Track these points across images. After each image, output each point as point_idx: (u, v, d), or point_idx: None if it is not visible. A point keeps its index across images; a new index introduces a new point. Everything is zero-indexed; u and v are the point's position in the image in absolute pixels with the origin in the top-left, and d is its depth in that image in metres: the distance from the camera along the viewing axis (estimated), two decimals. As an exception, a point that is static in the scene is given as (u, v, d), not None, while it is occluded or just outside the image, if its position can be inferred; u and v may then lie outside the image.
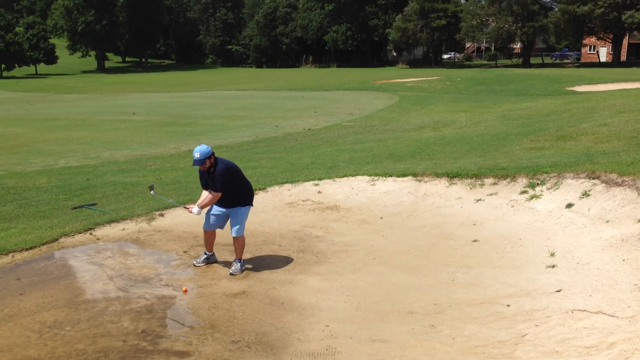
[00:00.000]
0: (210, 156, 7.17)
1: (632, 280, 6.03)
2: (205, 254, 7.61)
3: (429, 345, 5.42)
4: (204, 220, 7.54)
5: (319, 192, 11.30)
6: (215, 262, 7.62)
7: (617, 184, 8.40)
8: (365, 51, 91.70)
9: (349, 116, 27.78)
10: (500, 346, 5.25)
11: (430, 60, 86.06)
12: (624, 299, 5.68)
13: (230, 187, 7.34)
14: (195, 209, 7.31)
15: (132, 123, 27.51)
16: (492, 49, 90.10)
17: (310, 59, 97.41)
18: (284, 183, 11.55)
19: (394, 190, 11.16)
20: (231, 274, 7.23)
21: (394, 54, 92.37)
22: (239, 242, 7.42)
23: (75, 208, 10.52)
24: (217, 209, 7.47)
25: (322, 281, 7.17)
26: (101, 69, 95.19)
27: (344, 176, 11.98)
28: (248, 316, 6.10)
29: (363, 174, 12.00)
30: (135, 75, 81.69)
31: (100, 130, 25.30)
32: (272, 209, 10.30)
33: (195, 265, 7.47)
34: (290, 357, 5.30)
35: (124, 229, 8.89)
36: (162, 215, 9.53)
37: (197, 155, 7.09)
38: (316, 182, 11.70)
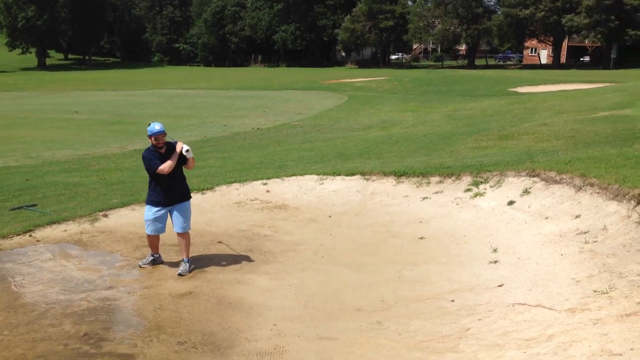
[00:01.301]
0: (166, 133, 7.12)
1: (570, 274, 6.25)
2: (152, 255, 7.46)
3: (376, 342, 5.47)
4: (146, 224, 7.35)
5: (267, 191, 11.26)
6: (162, 263, 7.49)
7: (556, 182, 8.69)
8: (315, 51, 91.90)
9: (298, 115, 27.82)
10: (445, 340, 5.35)
11: (379, 61, 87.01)
12: (562, 292, 5.88)
13: (182, 170, 7.34)
14: (184, 146, 7.13)
15: (74, 122, 26.77)
16: (439, 50, 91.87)
17: (260, 59, 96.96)
18: (232, 182, 11.47)
19: (342, 189, 11.23)
20: (179, 274, 7.12)
21: (343, 54, 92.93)
22: (185, 239, 7.32)
23: (13, 209, 10.15)
24: (156, 212, 7.25)
25: (271, 280, 7.14)
26: (42, 66, 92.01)
27: (292, 175, 11.98)
28: (195, 317, 6.02)
29: (312, 173, 12.03)
30: (78, 73, 79.43)
31: (41, 128, 24.51)
32: (220, 209, 10.21)
33: (140, 267, 7.32)
34: (238, 357, 5.26)
35: (65, 230, 8.64)
36: (105, 216, 9.30)
37: (157, 127, 6.97)
38: (265, 181, 11.66)
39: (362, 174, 11.61)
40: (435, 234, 8.65)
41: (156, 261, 7.45)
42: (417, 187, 10.68)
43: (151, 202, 7.28)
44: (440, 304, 6.21)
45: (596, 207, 7.49)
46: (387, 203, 10.40)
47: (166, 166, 7.05)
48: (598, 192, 7.72)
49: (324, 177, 11.74)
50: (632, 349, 4.49)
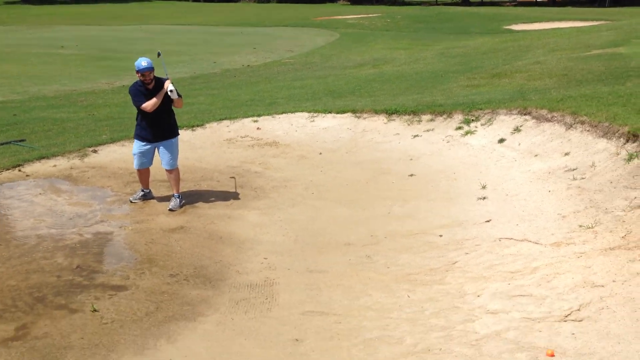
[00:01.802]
0: (153, 69, 6.96)
1: (557, 209, 6.33)
2: (142, 190, 7.47)
3: (365, 275, 5.58)
4: (134, 159, 7.34)
5: (258, 128, 11.21)
6: (152, 198, 7.51)
7: (547, 120, 8.69)
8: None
9: (289, 53, 27.39)
10: (432, 273, 5.47)
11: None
12: (548, 227, 5.98)
13: (170, 107, 7.26)
14: (170, 86, 7.02)
15: (61, 57, 26.23)
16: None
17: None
18: (223, 119, 11.38)
19: (333, 127, 11.19)
20: (170, 209, 7.16)
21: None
22: (174, 175, 7.33)
23: (2, 144, 10.06)
24: (142, 147, 7.20)
25: (261, 215, 7.20)
26: (26, 0, 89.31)
27: (283, 113, 11.90)
28: (186, 250, 6.10)
29: (302, 111, 11.95)
30: (63, 7, 77.19)
31: (27, 63, 24.03)
32: (211, 145, 10.17)
33: (131, 202, 7.35)
34: (229, 288, 5.36)
35: (55, 166, 8.60)
36: (95, 151, 9.25)
37: (144, 63, 6.82)
38: (255, 118, 11.58)
39: (354, 111, 11.55)
40: (425, 171, 8.69)
41: (147, 196, 7.47)
42: (408, 125, 10.66)
43: (138, 136, 7.24)
44: (429, 239, 6.30)
45: (585, 145, 7.52)
46: (378, 141, 10.39)
47: (150, 104, 6.92)
48: (588, 130, 7.74)
49: (315, 115, 11.67)
50: (614, 281, 4.61)
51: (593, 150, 7.28)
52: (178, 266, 5.72)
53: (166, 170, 7.34)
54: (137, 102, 6.99)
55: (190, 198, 7.56)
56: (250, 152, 9.94)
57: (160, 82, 7.06)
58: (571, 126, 8.13)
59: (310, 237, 6.58)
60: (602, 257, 5.03)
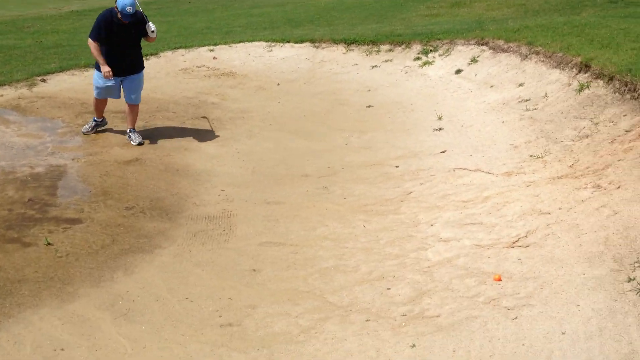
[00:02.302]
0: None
1: (509, 140, 6.46)
2: (95, 120, 7.25)
3: (322, 205, 5.64)
4: (96, 90, 7.01)
5: (214, 58, 10.94)
6: (105, 125, 7.34)
7: (503, 50, 8.72)
8: None
9: (246, -21, 26.43)
10: (387, 204, 5.57)
11: None
12: (500, 157, 6.11)
13: (138, 42, 6.98)
14: (150, 25, 6.78)
15: (3, -19, 24.73)
16: None
17: None
18: (178, 48, 11.05)
19: (291, 57, 11.01)
20: (140, 143, 6.98)
21: None
22: (135, 111, 7.12)
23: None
24: (107, 81, 6.84)
25: (218, 147, 7.14)
26: None
27: (240, 42, 11.62)
28: (142, 183, 6.03)
29: (260, 40, 11.69)
30: None
31: (-34, -12, 22.62)
32: (165, 75, 9.91)
33: (84, 133, 7.16)
34: (186, 220, 5.36)
35: (1, 95, 8.26)
36: (44, 80, 8.90)
37: (129, 9, 6.38)
38: (211, 47, 11.28)
39: (312, 41, 11.36)
40: (383, 102, 8.69)
41: (99, 125, 7.27)
42: (367, 55, 10.56)
43: (98, 66, 6.85)
44: (385, 170, 6.38)
45: (539, 75, 7.61)
46: (336, 71, 10.29)
47: (93, 47, 6.65)
48: (542, 61, 7.81)
49: (273, 44, 11.44)
50: (559, 208, 4.78)
51: (546, 81, 7.38)
52: (134, 199, 5.66)
53: (128, 104, 7.08)
54: (94, 35, 6.61)
55: (145, 130, 7.41)
56: (206, 83, 9.73)
57: (137, 18, 6.64)
58: (526, 57, 8.19)
59: (268, 168, 6.57)
60: (550, 186, 5.20)
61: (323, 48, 11.08)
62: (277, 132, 7.68)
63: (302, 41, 11.34)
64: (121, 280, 4.37)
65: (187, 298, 4.20)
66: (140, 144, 6.96)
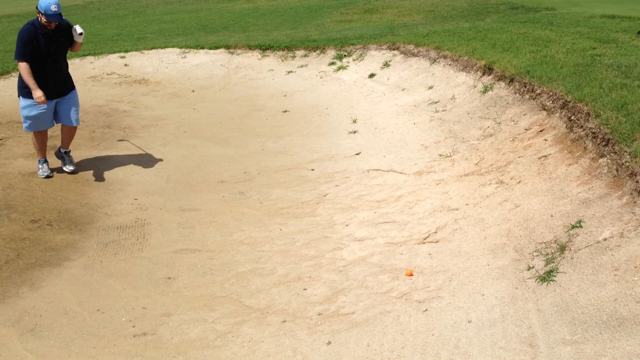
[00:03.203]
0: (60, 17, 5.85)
1: (420, 140, 6.68)
2: (43, 161, 6.29)
3: (238, 211, 5.62)
4: (27, 122, 6.06)
5: (125, 65, 10.68)
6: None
7: (414, 55, 9.01)
8: None
9: (159, -15, 25.93)
10: (304, 206, 5.62)
11: None
12: (412, 157, 6.30)
13: (66, 57, 6.27)
14: (77, 27, 6.09)
15: None
16: None
17: None
18: (86, 55, 10.72)
19: (206, 63, 10.92)
20: (73, 171, 6.32)
21: None
22: (73, 133, 6.42)
23: None
24: (41, 107, 5.98)
25: (131, 156, 6.97)
26: None
27: (152, 48, 11.41)
28: (49, 195, 5.79)
29: (173, 46, 11.53)
30: None
31: None
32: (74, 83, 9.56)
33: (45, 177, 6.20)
34: (97, 231, 5.20)
35: None
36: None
37: (54, 7, 5.67)
38: (122, 54, 11.02)
39: (227, 47, 11.32)
40: (299, 106, 8.77)
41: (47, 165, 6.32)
42: (283, 60, 10.63)
43: (28, 92, 5.91)
44: (301, 173, 6.43)
45: (447, 78, 7.91)
46: (252, 77, 10.29)
47: (25, 70, 5.74)
48: (450, 64, 8.13)
49: (187, 51, 11.30)
50: (467, 204, 4.99)
51: (454, 84, 7.68)
52: (40, 211, 5.43)
53: (67, 127, 6.30)
54: (22, 54, 5.71)
55: (53, 140, 7.12)
56: (117, 90, 9.48)
57: (62, 26, 5.93)
58: (435, 60, 8.49)
59: (183, 176, 6.48)
60: (458, 183, 5.42)
61: (238, 54, 11.05)
62: (192, 139, 7.59)
63: (216, 47, 11.28)
64: (27, 296, 4.19)
65: (98, 310, 4.08)
66: (74, 172, 6.31)
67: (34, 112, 6.03)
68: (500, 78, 6.87)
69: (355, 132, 7.43)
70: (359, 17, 13.65)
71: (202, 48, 11.33)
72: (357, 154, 6.73)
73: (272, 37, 11.91)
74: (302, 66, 10.30)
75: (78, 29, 6.09)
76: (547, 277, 3.71)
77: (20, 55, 5.74)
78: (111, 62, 10.60)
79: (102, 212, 5.55)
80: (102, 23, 15.91)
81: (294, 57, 10.67)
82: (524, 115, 6.01)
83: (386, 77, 8.98)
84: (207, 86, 9.93)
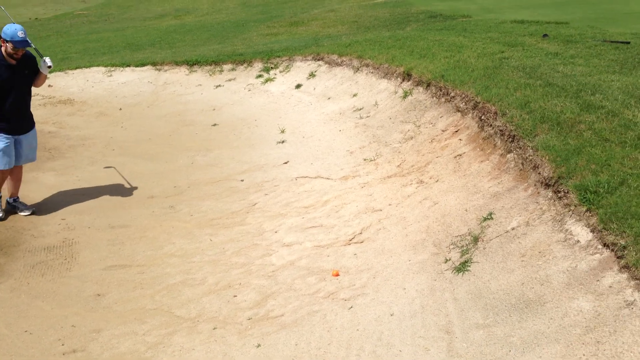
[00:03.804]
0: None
1: (346, 146, 6.88)
2: (14, 200, 5.97)
3: (168, 224, 5.65)
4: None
5: (49, 85, 10.48)
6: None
7: (338, 64, 9.26)
8: None
9: (82, 4, 25.46)
10: (234, 216, 5.70)
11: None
12: (338, 163, 6.50)
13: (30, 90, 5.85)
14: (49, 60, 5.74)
15: None
16: None
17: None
18: (7, 78, 10.44)
19: (132, 81, 10.85)
20: (33, 213, 5.90)
21: None
22: (21, 172, 6.07)
23: None
24: (6, 142, 5.62)
25: (57, 176, 6.88)
26: None
27: (77, 68, 11.26)
28: (-29, 220, 5.66)
29: (99, 65, 11.40)
30: None
31: None
32: None
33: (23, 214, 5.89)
34: (23, 254, 5.12)
35: None
36: None
37: (21, 34, 5.32)
38: (45, 75, 10.80)
39: (154, 64, 11.28)
40: (228, 120, 8.85)
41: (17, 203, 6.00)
42: (210, 75, 10.69)
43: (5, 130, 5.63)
44: (231, 184, 6.51)
45: (370, 86, 8.18)
46: (180, 93, 10.30)
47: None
48: (372, 72, 8.41)
49: (113, 69, 11.21)
50: (389, 205, 5.21)
51: (376, 90, 7.95)
52: (-39, 238, 5.30)
53: (18, 168, 5.95)
54: None
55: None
56: (42, 112, 9.29)
57: (26, 56, 5.59)
58: (358, 69, 8.76)
59: (112, 193, 6.44)
60: (382, 185, 5.64)
61: (166, 70, 11.04)
62: (121, 157, 7.55)
63: (143, 64, 11.22)
64: (-51, 323, 4.10)
65: (26, 331, 4.03)
66: (34, 212, 5.90)
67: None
68: (419, 83, 7.18)
69: (283, 141, 7.57)
70: (285, 30, 13.86)
71: (129, 66, 11.25)
72: (286, 163, 6.87)
73: (199, 53, 11.95)
74: (230, 80, 10.38)
75: (48, 61, 5.71)
76: (462, 267, 3.95)
77: None
78: (33, 83, 10.38)
79: (29, 234, 5.47)
80: (23, 44, 15.51)
81: (221, 71, 10.75)
82: (440, 117, 6.31)
83: (312, 87, 9.18)
84: (135, 104, 9.86)
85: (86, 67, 11.26)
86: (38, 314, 4.25)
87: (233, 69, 10.69)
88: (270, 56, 10.57)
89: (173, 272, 4.76)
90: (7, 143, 5.64)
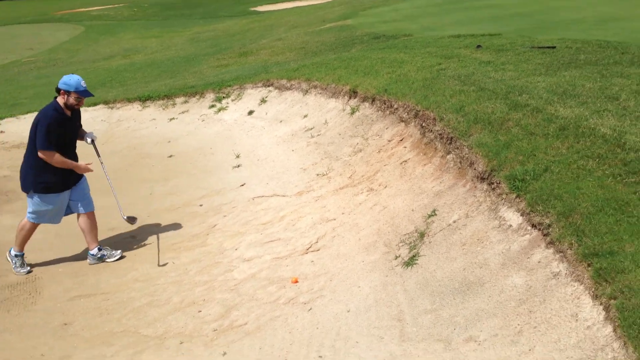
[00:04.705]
0: None
1: (299, 164, 7.14)
2: (20, 255, 5.72)
3: (131, 253, 5.80)
4: (37, 217, 5.66)
5: (1, 131, 10.49)
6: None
7: (287, 88, 9.56)
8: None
9: (29, 51, 25.35)
10: (195, 239, 5.88)
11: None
12: (292, 181, 6.74)
13: None
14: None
15: None
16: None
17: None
18: (-43, 127, 10.43)
19: (85, 120, 10.81)
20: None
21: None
22: (93, 219, 5.93)
23: None
24: (58, 198, 5.63)
25: (15, 218, 6.89)
26: None
27: (28, 112, 11.26)
28: None
29: (50, 108, 11.43)
30: None
31: None
32: None
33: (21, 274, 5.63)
34: (-13, 293, 5.18)
35: None
36: None
37: (84, 84, 5.45)
38: (-4, 121, 10.82)
39: (106, 102, 11.38)
40: (184, 150, 9.02)
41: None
42: (164, 109, 10.85)
43: (47, 187, 5.59)
44: (191, 210, 6.69)
45: (319, 106, 8.49)
46: (134, 128, 10.43)
47: (58, 159, 5.47)
48: (320, 93, 8.73)
49: (65, 110, 11.26)
50: (342, 213, 5.47)
51: (326, 110, 8.26)
52: None
53: (86, 214, 5.86)
54: (49, 144, 5.34)
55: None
56: (-5, 157, 9.31)
57: (76, 111, 5.67)
58: (307, 91, 9.08)
59: (72, 229, 6.50)
60: (335, 197, 5.90)
61: (118, 108, 11.15)
62: (78, 194, 7.62)
63: (95, 104, 11.30)
64: None
65: (-5, 364, 4.12)
66: (122, 257, 5.73)
67: (50, 207, 5.63)
68: (365, 99, 7.52)
69: (239, 165, 7.79)
70: (234, 61, 14.15)
71: (81, 106, 11.32)
72: (242, 185, 7.08)
73: (151, 88, 12.10)
74: (183, 112, 10.56)
75: (92, 135, 5.99)
76: (410, 262, 4.21)
77: (48, 145, 5.37)
78: (-15, 130, 10.39)
79: (-9, 274, 5.52)
80: (-28, 94, 15.41)
81: (174, 104, 10.92)
82: (386, 128, 6.64)
83: (264, 112, 9.44)
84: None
85: (37, 111, 11.28)
86: (5, 346, 4.33)
87: (186, 102, 10.88)
88: (221, 86, 10.80)
89: (138, 296, 4.90)
90: (58, 200, 5.64)
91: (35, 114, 11.15)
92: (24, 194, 7.72)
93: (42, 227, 6.55)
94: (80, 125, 5.87)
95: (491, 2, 15.47)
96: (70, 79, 5.42)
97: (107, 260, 5.68)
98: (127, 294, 4.96)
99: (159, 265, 5.41)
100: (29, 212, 5.71)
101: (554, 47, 7.68)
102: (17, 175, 8.51)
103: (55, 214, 5.72)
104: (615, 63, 6.61)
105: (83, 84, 5.46)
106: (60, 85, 5.41)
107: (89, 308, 4.80)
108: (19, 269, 5.60)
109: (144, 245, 5.90)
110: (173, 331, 4.29)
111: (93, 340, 4.33)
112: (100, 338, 4.34)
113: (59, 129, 5.40)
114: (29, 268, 5.63)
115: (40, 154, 5.42)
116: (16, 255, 5.69)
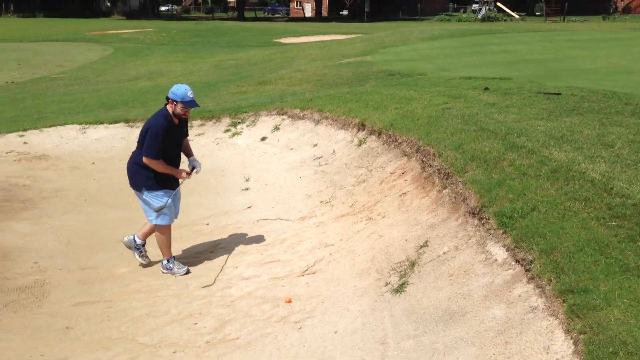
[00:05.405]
0: None
1: (305, 191, 7.38)
2: (172, 260, 5.87)
3: (135, 264, 6.02)
4: (165, 216, 5.83)
5: (24, 143, 10.88)
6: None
7: (300, 118, 9.86)
8: (76, 0, 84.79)
9: (59, 68, 26.10)
10: (198, 255, 6.10)
11: (148, 12, 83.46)
12: (297, 206, 6.97)
13: None
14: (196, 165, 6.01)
15: None
16: (209, 2, 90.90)
17: (12, 8, 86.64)
18: (-18, 136, 10.84)
19: (105, 137, 11.29)
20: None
21: (109, 4, 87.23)
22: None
23: None
24: (170, 194, 5.85)
25: (31, 225, 7.20)
26: None
27: (52, 126, 11.67)
28: (-54, 265, 5.95)
29: (73, 123, 11.83)
30: None
31: None
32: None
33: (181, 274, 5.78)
34: (-4, 294, 5.42)
35: None
36: None
37: (190, 94, 5.62)
38: (21, 133, 11.21)
39: (126, 121, 11.76)
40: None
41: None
42: (181, 131, 11.20)
43: (162, 186, 5.80)
44: (197, 228, 6.93)
45: (329, 136, 8.76)
46: (151, 147, 10.75)
47: (162, 166, 5.67)
48: (331, 124, 9.01)
49: (86, 126, 11.65)
50: (340, 240, 5.67)
51: (335, 140, 8.53)
52: (-62, 280, 5.59)
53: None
54: (157, 153, 5.53)
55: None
56: (16, 167, 9.66)
57: (182, 119, 5.83)
58: (319, 122, 9.37)
59: (83, 239, 6.79)
60: (335, 223, 6.11)
61: (137, 127, 11.50)
62: (92, 206, 7.91)
63: (116, 122, 11.70)
64: None
65: (-4, 360, 4.33)
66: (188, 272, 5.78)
67: (164, 199, 5.78)
68: (372, 132, 7.77)
69: (247, 189, 8.04)
70: (253, 89, 14.54)
71: (102, 123, 11.71)
72: (249, 208, 7.32)
73: (170, 110, 12.47)
74: (199, 135, 10.89)
75: (198, 167, 6.11)
76: (399, 289, 4.39)
77: (156, 154, 5.55)
78: (10, 141, 10.77)
79: (2, 277, 5.76)
80: (1, 105, 15.94)
81: (191, 126, 11.25)
82: (390, 161, 6.86)
83: (276, 139, 9.74)
84: (108, 158, 10.28)
85: (61, 124, 11.69)
86: (8, 345, 4.54)
87: (202, 125, 11.22)
88: (237, 112, 11.14)
89: (139, 306, 5.11)
90: (171, 196, 5.84)
91: (58, 127, 11.64)
92: (43, 202, 8.08)
93: (55, 237, 6.84)
94: (187, 133, 6.07)
95: (508, 47, 15.81)
96: (178, 89, 5.59)
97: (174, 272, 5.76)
98: (128, 304, 5.17)
99: (212, 284, 5.42)
100: (153, 217, 5.86)
101: (560, 94, 7.90)
102: (36, 184, 8.91)
103: (170, 209, 5.84)
104: (617, 112, 6.81)
105: (190, 94, 5.61)
106: (170, 95, 5.62)
107: (92, 314, 5.01)
108: (177, 270, 5.73)
109: (149, 259, 6.12)
110: (168, 341, 4.48)
111: (92, 344, 4.53)
112: (99, 343, 4.54)
113: (166, 137, 5.56)
114: (187, 268, 5.75)
115: (145, 160, 5.62)
116: (168, 261, 5.83)
